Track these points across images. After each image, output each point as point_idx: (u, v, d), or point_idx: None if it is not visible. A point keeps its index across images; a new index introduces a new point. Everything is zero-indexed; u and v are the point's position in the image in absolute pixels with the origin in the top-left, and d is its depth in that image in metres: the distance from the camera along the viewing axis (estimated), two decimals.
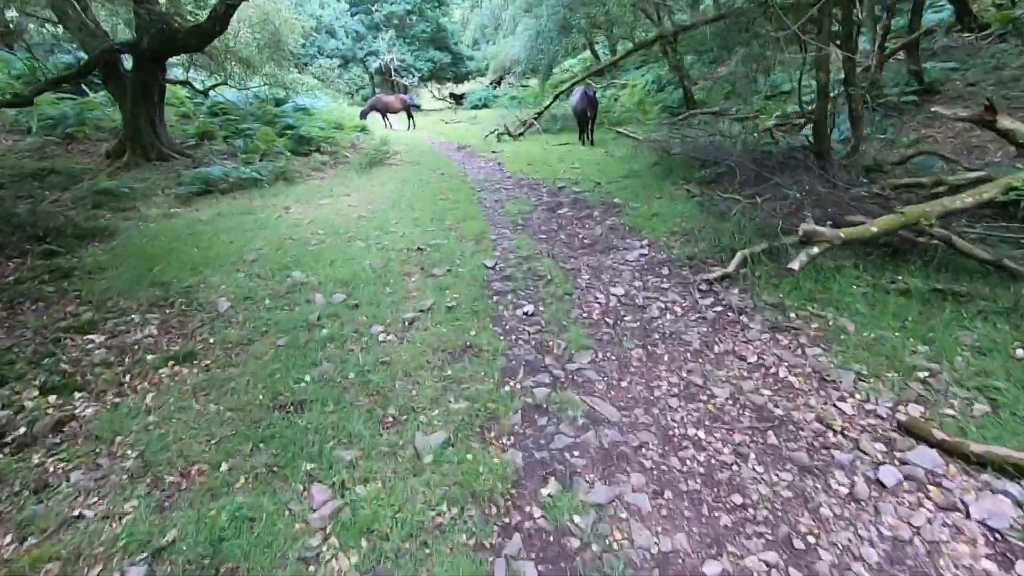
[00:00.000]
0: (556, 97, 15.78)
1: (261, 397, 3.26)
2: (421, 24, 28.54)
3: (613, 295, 4.45)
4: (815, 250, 3.87)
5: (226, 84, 14.07)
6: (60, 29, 11.91)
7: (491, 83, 34.79)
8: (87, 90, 12.88)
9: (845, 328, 3.60)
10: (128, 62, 10.16)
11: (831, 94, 8.62)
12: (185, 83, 13.21)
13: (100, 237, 6.26)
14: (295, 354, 3.71)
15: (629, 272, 4.90)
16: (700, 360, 3.48)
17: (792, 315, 3.87)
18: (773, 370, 3.30)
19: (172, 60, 13.49)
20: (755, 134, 7.85)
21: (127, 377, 3.57)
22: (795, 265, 3.77)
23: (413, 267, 5.22)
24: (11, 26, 14.09)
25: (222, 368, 3.62)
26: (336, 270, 5.10)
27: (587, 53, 30.32)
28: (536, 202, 7.91)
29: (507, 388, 3.26)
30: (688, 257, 5.02)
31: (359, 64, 28.91)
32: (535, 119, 15.44)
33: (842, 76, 8.33)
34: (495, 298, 4.49)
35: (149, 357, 3.77)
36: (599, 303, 4.34)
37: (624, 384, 3.28)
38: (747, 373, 3.31)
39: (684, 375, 3.33)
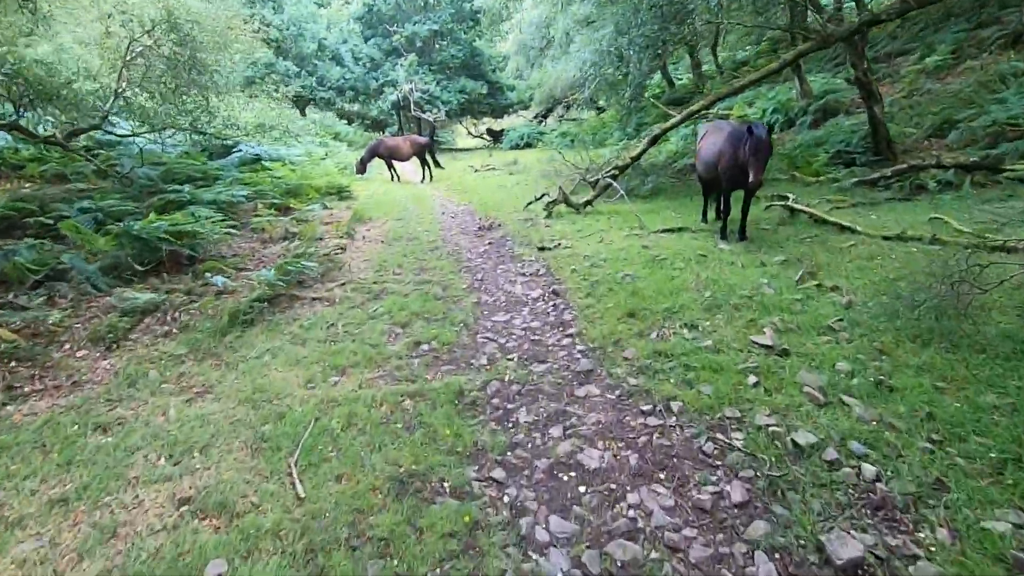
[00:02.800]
0: (655, 140, 9.40)
1: None
2: (451, 48, 23.16)
3: None
4: None
5: (99, 129, 8.55)
6: None
7: (536, 117, 29.03)
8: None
9: None
10: None
11: None
12: (12, 127, 7.64)
13: None
14: None
15: None
16: None
17: None
18: None
19: None
20: None
21: None
22: None
23: None
24: None
25: None
26: None
27: (657, 78, 24.16)
28: None
29: None
30: None
31: (374, 98, 23.68)
32: (613, 177, 9.07)
33: None
34: None
35: None
36: None
37: None
38: None
39: None
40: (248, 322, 4.41)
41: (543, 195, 9.39)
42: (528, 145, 23.04)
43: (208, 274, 5.22)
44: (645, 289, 4.81)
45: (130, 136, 8.80)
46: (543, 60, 21.71)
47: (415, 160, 15.61)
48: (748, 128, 5.41)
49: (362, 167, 15.06)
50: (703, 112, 8.73)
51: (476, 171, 16.99)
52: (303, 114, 22.00)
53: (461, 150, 29.06)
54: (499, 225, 8.55)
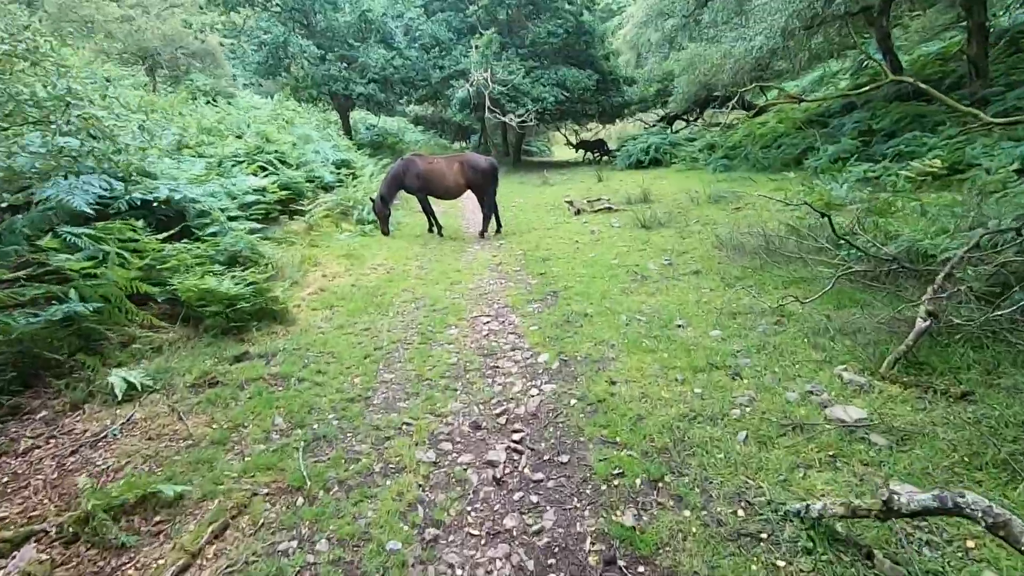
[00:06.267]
0: None
1: None
2: (549, 23, 16.17)
3: None
4: None
5: None
6: None
7: (662, 120, 21.24)
8: None
9: None
10: None
11: None
12: None
13: None
14: None
15: None
16: None
17: None
18: None
19: None
20: None
21: None
22: None
23: None
24: None
25: None
26: None
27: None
28: None
29: None
30: None
31: (439, 94, 17.27)
32: None
33: None
34: None
35: None
36: None
37: None
38: None
39: None
40: None
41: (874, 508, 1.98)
42: (656, 162, 15.42)
43: None
44: None
45: None
46: (687, 34, 14.01)
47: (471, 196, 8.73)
48: None
49: (383, 208, 8.43)
50: None
51: (577, 214, 9.79)
52: (344, 118, 16.07)
53: (555, 165, 21.98)
54: None
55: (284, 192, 7.75)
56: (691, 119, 20.87)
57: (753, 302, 4.52)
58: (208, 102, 14.66)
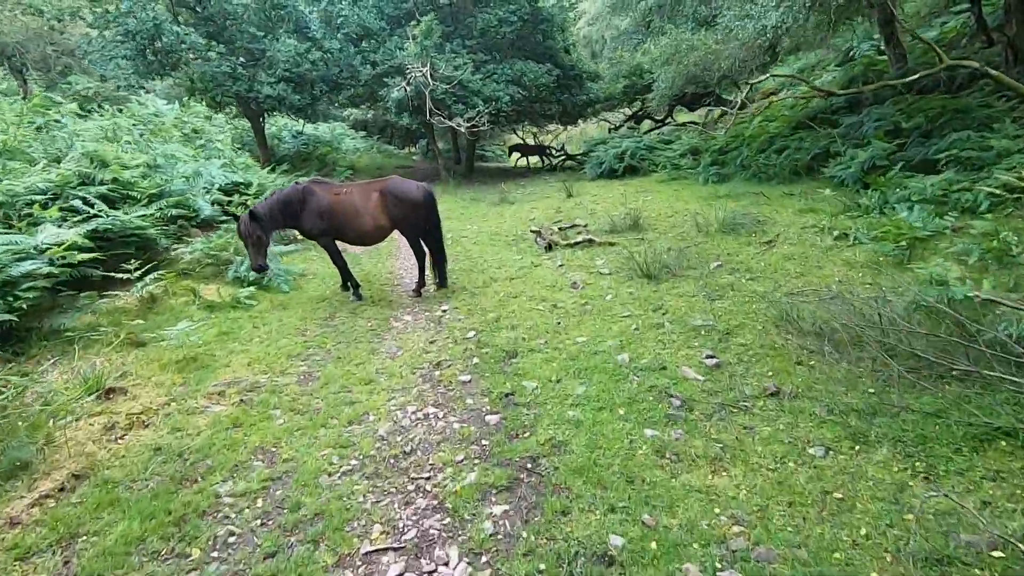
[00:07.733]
0: None
1: None
2: (500, 9, 13.69)
3: None
4: None
5: None
6: None
7: (632, 118, 19.07)
8: None
9: None
10: None
11: None
12: None
13: None
14: None
15: None
16: None
17: None
18: None
19: None
20: None
21: None
22: None
23: None
24: None
25: None
26: None
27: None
28: None
29: None
30: None
31: (372, 94, 14.48)
32: None
33: None
34: None
35: None
36: None
37: None
38: None
39: None
40: None
41: None
42: (632, 170, 13.13)
43: None
44: None
45: None
46: (666, 17, 11.80)
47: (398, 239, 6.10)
48: None
49: (255, 231, 5.37)
50: None
51: (548, 250, 7.33)
52: (255, 125, 13.12)
53: (514, 174, 19.49)
54: None
55: (98, 251, 4.95)
56: (660, 119, 18.81)
57: (944, 508, 2.15)
58: (88, 110, 11.52)
